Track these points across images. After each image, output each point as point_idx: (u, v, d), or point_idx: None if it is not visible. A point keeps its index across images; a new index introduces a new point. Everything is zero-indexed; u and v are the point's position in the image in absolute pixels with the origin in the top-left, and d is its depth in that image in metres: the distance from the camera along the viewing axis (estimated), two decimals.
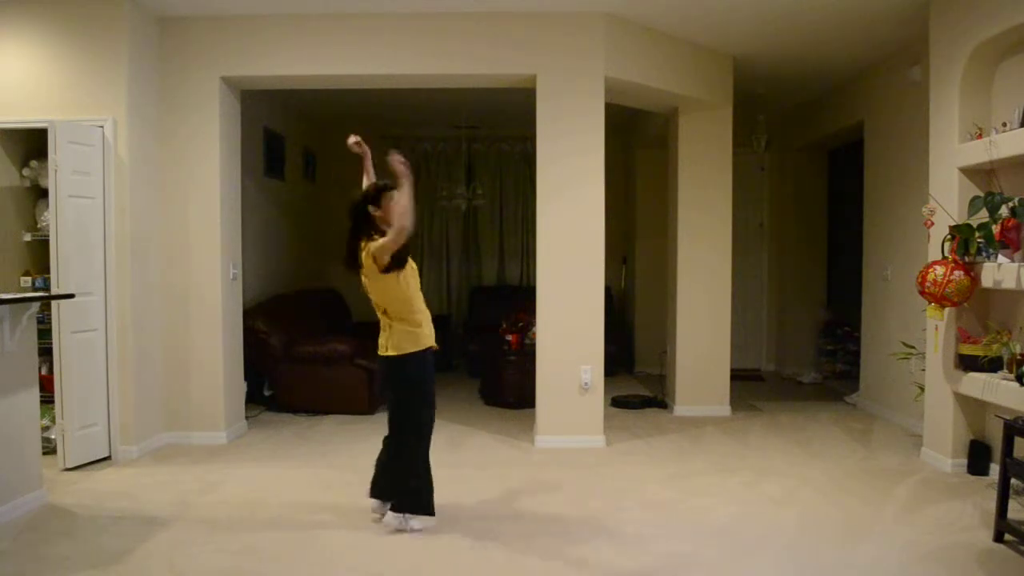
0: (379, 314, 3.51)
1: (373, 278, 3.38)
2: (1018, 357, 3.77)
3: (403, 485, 3.53)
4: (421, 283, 3.62)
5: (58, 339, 4.31)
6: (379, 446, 3.72)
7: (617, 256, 8.24)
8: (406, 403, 3.52)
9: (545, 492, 4.04)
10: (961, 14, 4.24)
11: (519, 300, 7.05)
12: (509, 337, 6.43)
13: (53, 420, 4.43)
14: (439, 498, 3.55)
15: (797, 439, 5.18)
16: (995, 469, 4.06)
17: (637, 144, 8.15)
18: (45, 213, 4.68)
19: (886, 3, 4.62)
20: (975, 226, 3.94)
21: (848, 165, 7.18)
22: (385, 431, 3.67)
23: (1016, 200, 3.74)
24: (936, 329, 4.30)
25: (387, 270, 3.32)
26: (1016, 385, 3.68)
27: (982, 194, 3.92)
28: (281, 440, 5.16)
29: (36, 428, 3.79)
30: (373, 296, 3.48)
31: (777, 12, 4.84)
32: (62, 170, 4.30)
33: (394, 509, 3.53)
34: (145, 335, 4.82)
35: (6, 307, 3.47)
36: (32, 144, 4.74)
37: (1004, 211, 3.80)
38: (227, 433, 5.06)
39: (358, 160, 3.72)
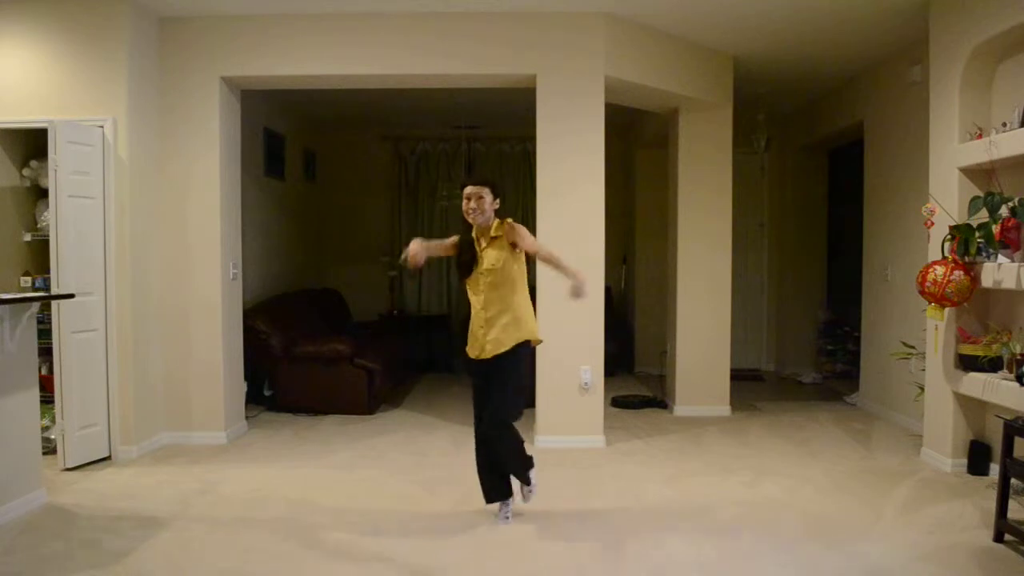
0: (488, 308, 3.47)
1: (513, 257, 3.48)
2: (1018, 357, 3.77)
3: (522, 456, 3.57)
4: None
5: (58, 339, 4.31)
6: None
7: (617, 256, 8.24)
8: (521, 387, 3.65)
9: (545, 492, 4.03)
10: (961, 14, 4.24)
11: None
12: None
13: (53, 420, 4.43)
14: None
15: (797, 439, 5.18)
16: (995, 469, 4.06)
17: (637, 144, 8.15)
18: (45, 213, 4.68)
19: (886, 3, 4.62)
20: (975, 226, 3.94)
21: (848, 165, 7.18)
22: (465, 436, 3.59)
23: (1016, 200, 3.74)
24: (936, 329, 4.30)
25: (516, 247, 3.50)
26: (1016, 385, 3.68)
27: (982, 194, 3.92)
28: (281, 440, 5.16)
29: (36, 428, 3.79)
30: (506, 281, 3.47)
31: (777, 12, 4.84)
32: (62, 170, 4.30)
33: (524, 481, 3.59)
34: (145, 335, 4.82)
35: (6, 307, 3.47)
36: (32, 144, 4.74)
37: (1004, 211, 3.80)
38: (227, 433, 5.06)
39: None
